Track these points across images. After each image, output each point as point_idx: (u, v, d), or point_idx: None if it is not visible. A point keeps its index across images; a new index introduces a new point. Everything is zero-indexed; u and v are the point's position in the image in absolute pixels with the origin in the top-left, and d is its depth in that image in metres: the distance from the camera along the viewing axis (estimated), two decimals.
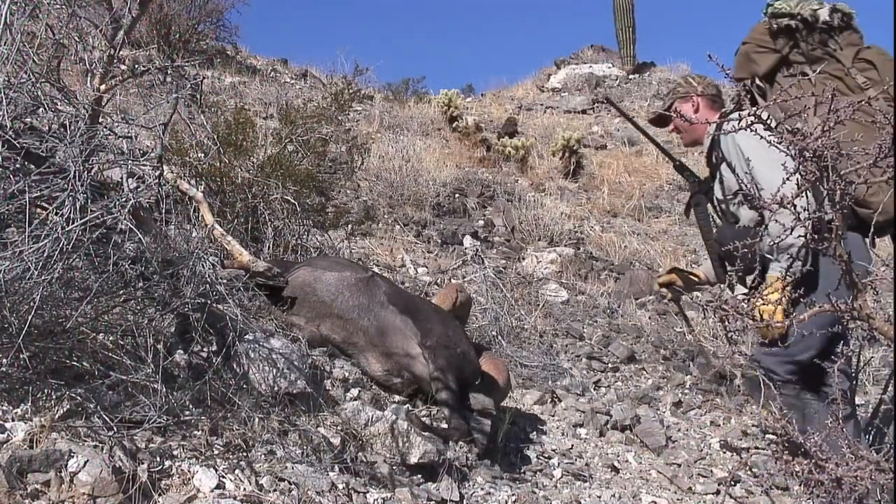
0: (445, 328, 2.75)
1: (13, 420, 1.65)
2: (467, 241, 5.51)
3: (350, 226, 4.74)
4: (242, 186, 3.63)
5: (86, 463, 1.56)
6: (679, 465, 2.99)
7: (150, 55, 6.94)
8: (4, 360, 1.75)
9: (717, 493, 2.76)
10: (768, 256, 2.49)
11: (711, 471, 2.97)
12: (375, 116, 8.06)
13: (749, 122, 2.29)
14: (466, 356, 2.72)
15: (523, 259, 5.56)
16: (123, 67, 4.76)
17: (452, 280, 4.62)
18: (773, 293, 2.41)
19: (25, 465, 1.51)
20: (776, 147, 2.38)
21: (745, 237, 2.46)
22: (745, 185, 2.49)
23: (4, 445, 1.57)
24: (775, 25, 2.55)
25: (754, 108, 2.47)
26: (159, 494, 1.63)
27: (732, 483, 2.84)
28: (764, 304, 2.39)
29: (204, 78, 6.27)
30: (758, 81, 2.65)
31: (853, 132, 2.31)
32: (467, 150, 7.66)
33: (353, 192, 5.46)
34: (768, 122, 2.41)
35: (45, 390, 1.75)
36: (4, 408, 1.69)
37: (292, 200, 3.70)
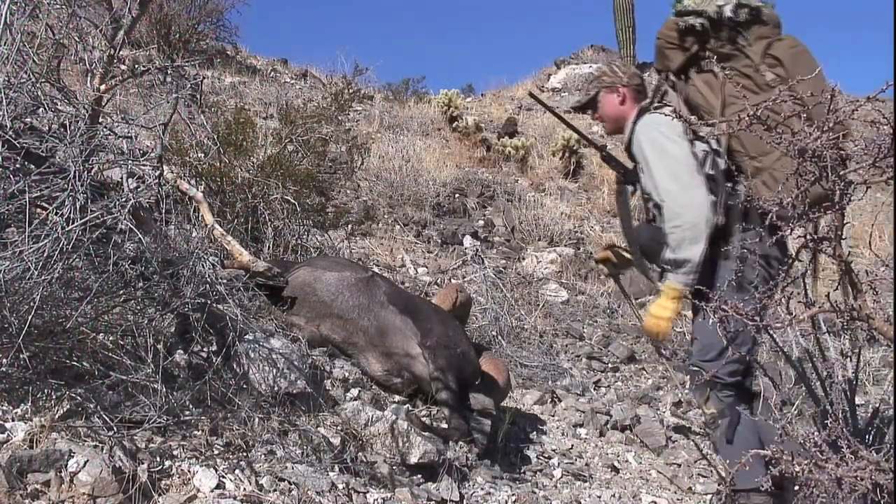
0: (445, 328, 2.75)
1: (13, 420, 1.65)
2: (467, 241, 5.51)
3: (350, 226, 4.74)
4: (242, 186, 3.63)
5: (86, 463, 1.56)
6: (679, 465, 2.99)
7: (150, 55, 6.94)
8: (4, 360, 1.75)
9: (717, 493, 2.76)
10: (664, 266, 2.50)
11: (711, 471, 2.97)
12: (375, 116, 8.06)
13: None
14: (466, 356, 2.72)
15: (523, 259, 5.56)
16: (123, 67, 4.76)
17: (452, 280, 4.62)
18: (667, 308, 2.46)
19: (25, 465, 1.51)
20: (679, 151, 2.45)
21: (661, 237, 2.50)
22: (650, 190, 2.54)
23: (4, 445, 1.57)
24: (682, 24, 2.53)
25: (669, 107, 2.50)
26: (159, 494, 1.63)
27: (732, 483, 2.83)
28: (654, 317, 2.47)
29: (204, 78, 6.27)
30: (671, 76, 2.64)
31: (758, 133, 2.38)
32: (467, 150, 7.66)
33: (353, 192, 5.46)
34: (675, 118, 2.46)
35: (45, 390, 1.75)
36: (4, 408, 1.69)
37: (292, 200, 3.71)
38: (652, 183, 2.51)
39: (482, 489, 2.35)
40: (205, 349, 2.24)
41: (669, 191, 2.46)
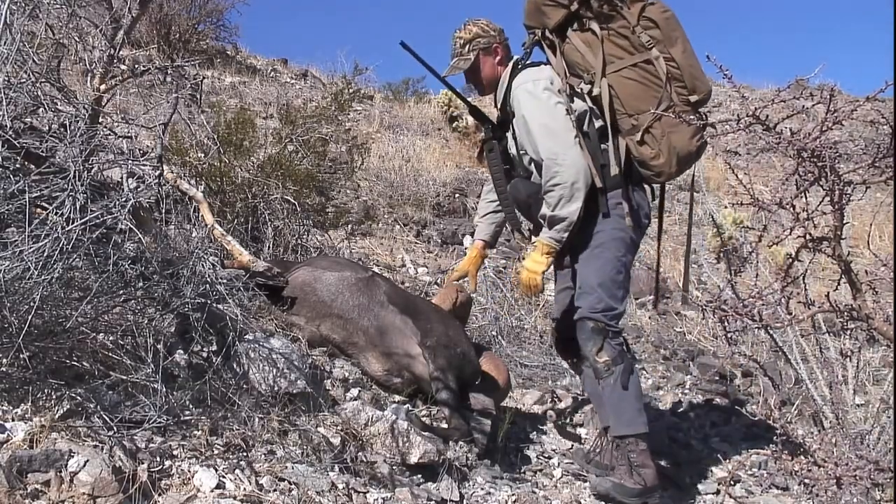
0: (445, 328, 2.75)
1: (13, 420, 1.65)
2: (467, 240, 5.51)
3: (350, 226, 4.74)
4: (242, 186, 3.63)
5: (86, 463, 1.56)
6: (679, 465, 2.99)
7: (150, 55, 6.94)
8: (4, 360, 1.75)
9: (717, 492, 2.76)
10: (540, 221, 2.61)
11: (711, 471, 2.97)
12: (375, 116, 8.07)
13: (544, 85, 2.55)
14: (466, 356, 2.72)
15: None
16: (123, 67, 4.76)
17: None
18: (541, 263, 2.59)
19: (25, 465, 1.51)
20: (558, 109, 2.52)
21: (539, 193, 2.60)
22: (526, 146, 2.61)
23: (4, 445, 1.57)
24: None
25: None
26: (159, 494, 1.63)
27: (732, 483, 2.84)
28: (529, 271, 2.62)
29: (204, 78, 6.27)
30: (547, 34, 2.66)
31: (635, 91, 2.49)
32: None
33: (353, 192, 5.47)
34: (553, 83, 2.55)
35: (45, 390, 1.75)
36: (4, 408, 1.69)
37: (292, 200, 3.71)
38: (529, 139, 2.57)
39: (482, 489, 2.36)
40: (205, 349, 2.24)
41: (548, 149, 2.52)
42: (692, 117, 2.33)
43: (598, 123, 2.55)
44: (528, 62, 2.69)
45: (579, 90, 2.56)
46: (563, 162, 2.48)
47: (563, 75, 2.60)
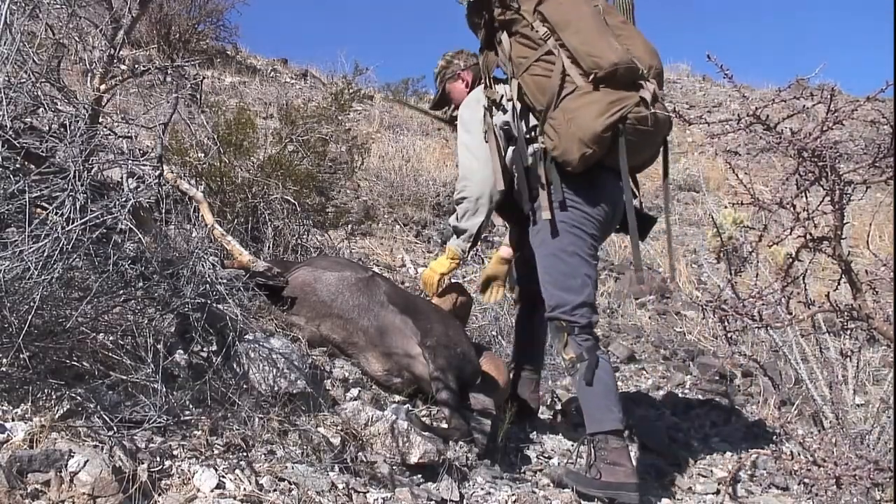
0: (445, 328, 2.75)
1: (13, 420, 1.65)
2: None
3: (350, 226, 4.74)
4: (242, 186, 3.63)
5: (86, 463, 1.56)
6: (679, 465, 2.99)
7: (150, 55, 6.94)
8: (4, 360, 1.75)
9: (717, 492, 2.76)
10: (450, 230, 2.88)
11: (711, 471, 2.97)
12: (375, 116, 8.07)
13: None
14: (466, 356, 2.72)
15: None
16: (123, 67, 4.76)
17: (452, 280, 4.61)
18: (443, 266, 2.89)
19: (25, 465, 1.51)
20: (476, 126, 2.69)
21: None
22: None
23: (4, 445, 1.57)
24: (464, 2, 2.70)
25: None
26: (159, 494, 1.63)
27: (732, 483, 2.84)
28: (430, 270, 2.95)
29: (204, 78, 6.27)
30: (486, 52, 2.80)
31: (540, 84, 2.57)
32: None
33: (353, 192, 5.47)
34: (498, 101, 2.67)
35: (45, 390, 1.75)
36: (4, 408, 1.69)
37: (292, 200, 3.71)
38: (458, 151, 2.79)
39: (482, 489, 2.35)
40: (205, 349, 2.24)
41: (462, 164, 2.75)
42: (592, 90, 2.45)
43: (522, 127, 2.63)
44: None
45: (500, 100, 2.67)
46: (471, 177, 2.68)
47: (486, 87, 2.73)
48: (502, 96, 2.65)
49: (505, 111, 2.65)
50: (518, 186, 2.64)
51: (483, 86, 2.74)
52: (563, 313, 2.55)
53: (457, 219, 2.77)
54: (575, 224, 2.57)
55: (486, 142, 2.66)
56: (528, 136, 2.61)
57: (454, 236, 2.81)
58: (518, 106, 2.62)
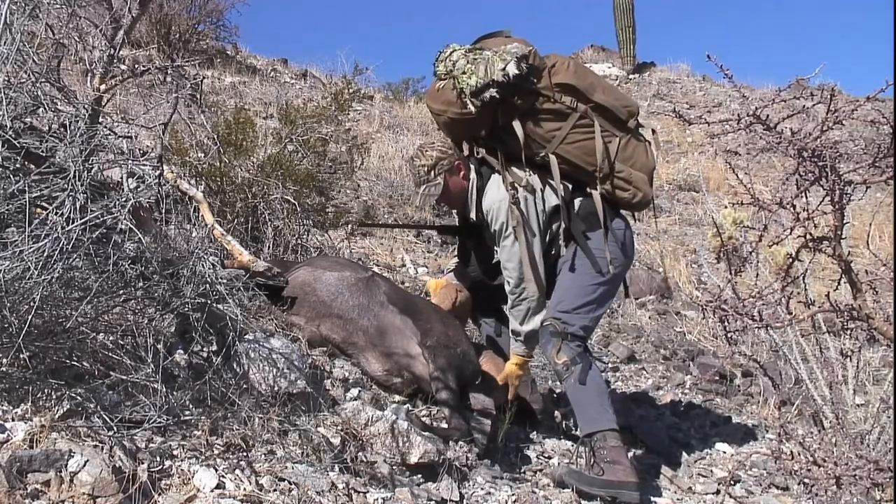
0: (445, 328, 2.75)
1: (13, 420, 1.65)
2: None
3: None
4: (242, 186, 3.63)
5: (86, 463, 1.56)
6: (679, 465, 2.99)
7: (150, 55, 6.94)
8: (4, 360, 1.75)
9: (717, 492, 2.76)
10: (513, 337, 2.79)
11: (711, 471, 2.97)
12: (375, 116, 8.06)
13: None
14: (466, 356, 2.72)
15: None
16: (123, 67, 4.76)
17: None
18: (515, 373, 2.81)
19: (25, 465, 1.51)
20: (519, 227, 2.66)
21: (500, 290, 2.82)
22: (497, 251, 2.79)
23: (4, 445, 1.57)
24: (478, 102, 2.58)
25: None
26: (159, 494, 1.63)
27: (732, 483, 2.84)
28: (508, 375, 2.82)
29: (204, 78, 6.27)
30: (482, 141, 2.79)
31: (585, 148, 2.66)
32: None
33: (353, 192, 5.46)
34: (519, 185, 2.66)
35: (45, 390, 1.75)
36: (4, 408, 1.69)
37: (292, 200, 3.70)
38: (502, 254, 2.75)
39: (482, 489, 2.35)
40: (205, 349, 2.24)
41: (513, 268, 2.70)
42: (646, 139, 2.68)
43: (560, 193, 2.67)
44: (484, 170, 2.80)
45: (524, 183, 2.67)
46: (529, 277, 2.65)
47: (504, 179, 2.70)
48: (526, 180, 2.66)
49: (533, 191, 2.68)
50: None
51: (501, 178, 2.70)
52: (562, 312, 2.63)
53: (520, 323, 2.72)
54: (610, 263, 2.69)
55: (517, 238, 2.65)
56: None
57: (518, 343, 2.76)
58: (558, 180, 2.66)
